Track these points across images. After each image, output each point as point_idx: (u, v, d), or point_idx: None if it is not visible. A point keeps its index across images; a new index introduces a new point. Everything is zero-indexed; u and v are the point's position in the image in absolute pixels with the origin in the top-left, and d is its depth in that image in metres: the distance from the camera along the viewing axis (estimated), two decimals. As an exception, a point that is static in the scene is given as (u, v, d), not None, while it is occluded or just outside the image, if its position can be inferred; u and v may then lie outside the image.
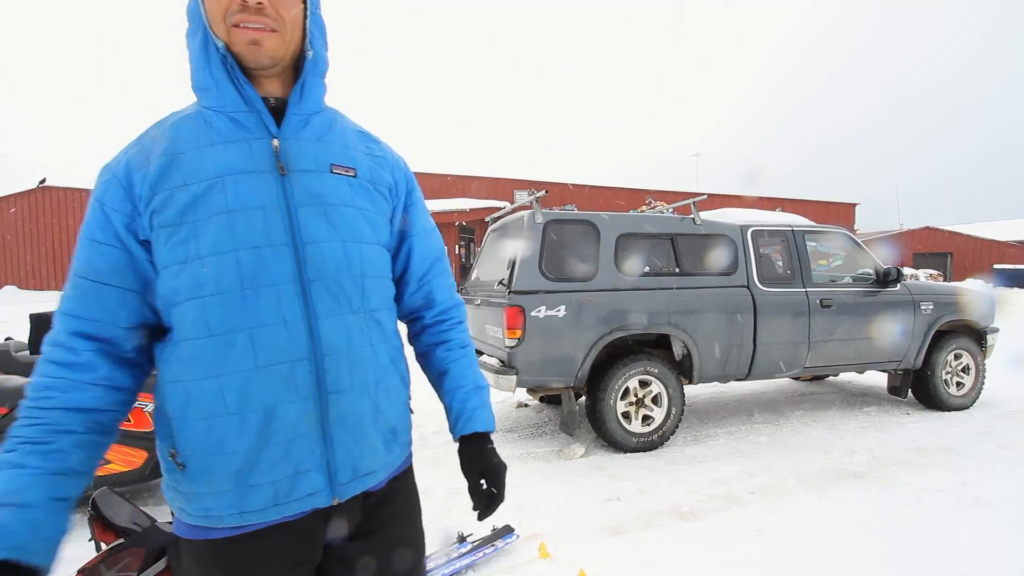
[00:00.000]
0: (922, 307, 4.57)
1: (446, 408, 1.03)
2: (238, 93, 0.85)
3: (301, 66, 0.88)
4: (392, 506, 0.94)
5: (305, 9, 0.87)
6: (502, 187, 21.98)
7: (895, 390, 4.88)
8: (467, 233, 19.82)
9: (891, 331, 4.44)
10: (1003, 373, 5.83)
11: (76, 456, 0.74)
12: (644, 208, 5.29)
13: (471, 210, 18.60)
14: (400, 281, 1.03)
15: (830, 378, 6.11)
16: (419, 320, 1.06)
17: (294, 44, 0.86)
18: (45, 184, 15.52)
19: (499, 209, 4.68)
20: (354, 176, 0.91)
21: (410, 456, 1.01)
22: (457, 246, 19.21)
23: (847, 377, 6.16)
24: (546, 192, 4.06)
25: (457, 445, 1.03)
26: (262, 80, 0.88)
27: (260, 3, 0.80)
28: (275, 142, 0.85)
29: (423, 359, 1.09)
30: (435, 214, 18.85)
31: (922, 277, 16.60)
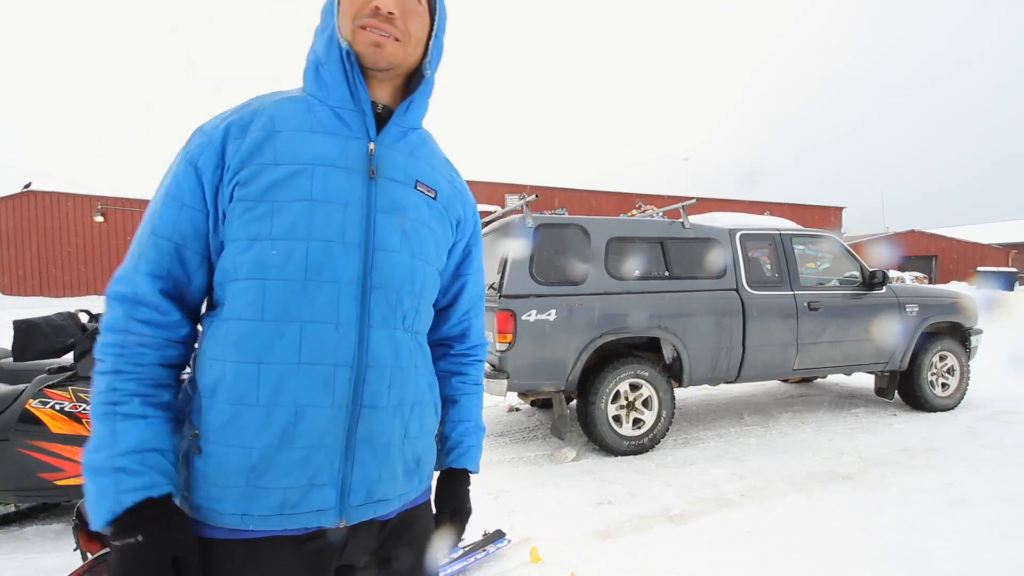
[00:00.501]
0: (907, 309, 4.63)
1: (442, 436, 1.03)
2: (349, 91, 0.86)
3: (412, 82, 0.91)
4: (410, 535, 0.91)
5: (431, 30, 0.89)
6: (493, 191, 22.01)
7: (882, 391, 4.93)
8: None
9: (877, 333, 4.50)
10: (986, 374, 5.92)
11: (175, 409, 0.80)
12: (634, 212, 5.31)
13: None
14: (444, 311, 1.03)
15: (818, 380, 6.17)
16: (447, 348, 1.06)
17: (413, 58, 0.88)
18: (30, 188, 15.31)
19: (490, 213, 4.69)
20: (434, 198, 0.92)
21: (429, 490, 0.98)
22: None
23: (835, 379, 6.23)
24: (536, 196, 4.07)
25: (438, 474, 1.02)
26: (373, 84, 0.89)
27: (392, 13, 0.83)
28: (371, 145, 0.86)
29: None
30: (426, 218, 18.77)
31: (908, 280, 16.82)
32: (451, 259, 0.99)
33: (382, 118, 0.89)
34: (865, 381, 5.91)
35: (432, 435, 0.95)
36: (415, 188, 0.89)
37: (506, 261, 3.67)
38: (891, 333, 4.54)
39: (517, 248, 3.66)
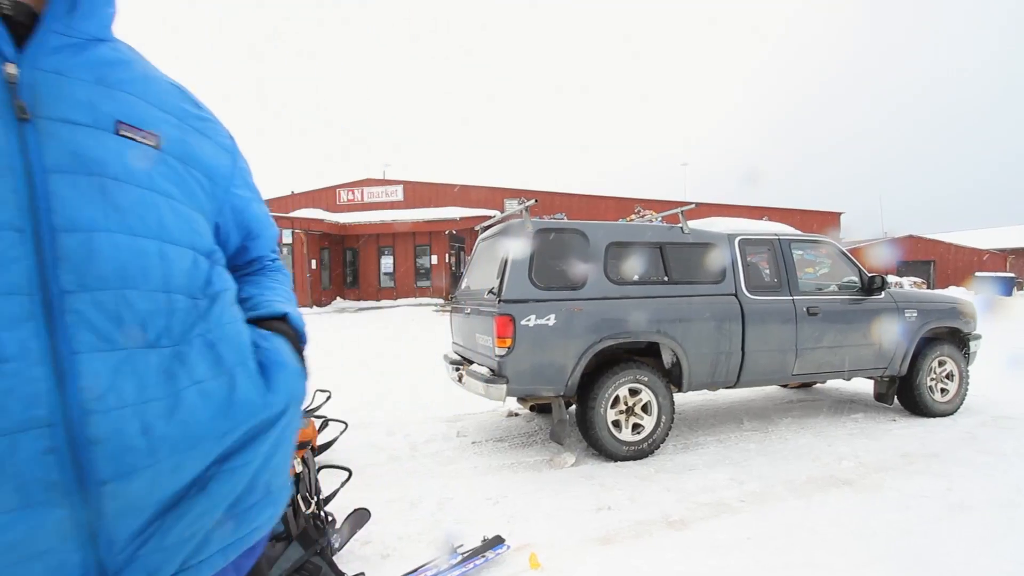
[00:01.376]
0: (906, 314, 4.64)
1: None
2: None
3: None
4: None
5: None
6: (492, 196, 22.06)
7: (881, 396, 4.93)
8: (457, 242, 19.83)
9: (876, 338, 4.50)
10: (986, 379, 5.92)
11: None
12: (633, 217, 5.33)
13: (461, 219, 18.64)
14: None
15: (817, 385, 6.17)
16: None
17: None
18: None
19: (489, 218, 4.69)
20: (155, 147, 0.64)
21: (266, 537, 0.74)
22: (447, 254, 19.19)
23: (834, 384, 6.23)
24: (536, 201, 4.08)
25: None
26: None
27: None
28: (9, 68, 0.56)
29: None
30: (425, 223, 18.93)
31: (906, 285, 16.85)
32: (221, 227, 0.78)
33: (30, 27, 0.60)
34: (864, 386, 5.91)
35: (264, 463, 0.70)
36: (116, 133, 0.61)
37: (505, 266, 3.67)
38: (890, 338, 4.55)
39: (516, 253, 3.66)
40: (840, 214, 24.64)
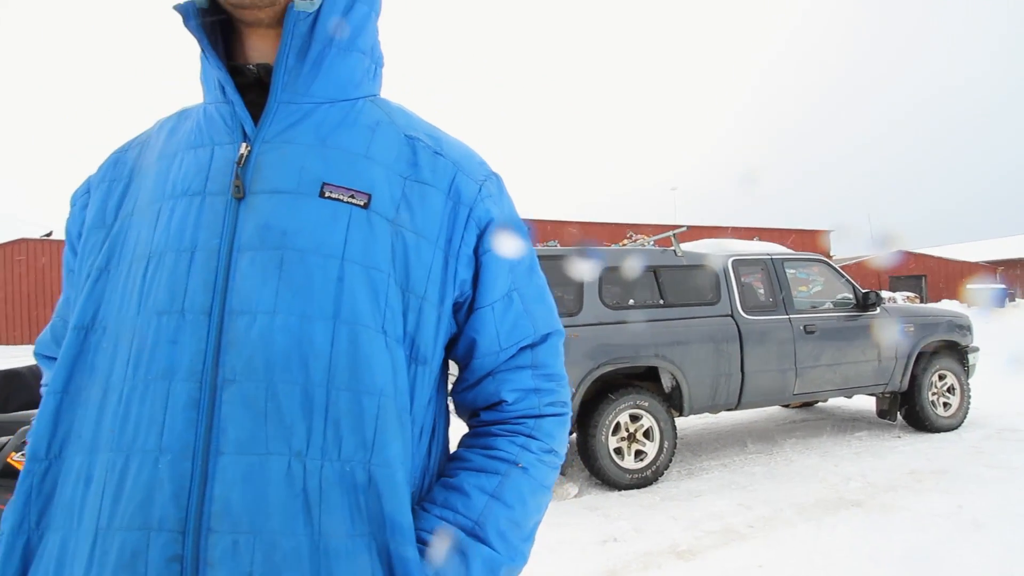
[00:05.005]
0: (903, 329, 4.63)
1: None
2: (205, 65, 0.58)
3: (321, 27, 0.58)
4: None
5: None
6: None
7: (884, 413, 4.89)
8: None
9: (874, 354, 4.49)
10: (987, 392, 5.89)
11: None
12: (625, 242, 5.36)
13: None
14: (461, 370, 0.67)
15: (819, 404, 6.12)
16: (474, 421, 0.68)
17: None
18: (50, 237, 15.33)
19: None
20: (364, 206, 0.56)
21: None
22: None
23: (836, 403, 6.17)
24: (529, 229, 4.09)
25: None
26: (254, 40, 0.59)
27: None
28: (243, 147, 0.55)
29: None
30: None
31: (899, 299, 16.93)
32: (444, 293, 0.60)
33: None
34: (867, 404, 5.86)
35: None
36: (320, 196, 0.55)
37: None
38: (888, 353, 4.53)
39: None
40: (829, 232, 24.94)
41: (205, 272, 0.52)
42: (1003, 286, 17.96)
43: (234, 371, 0.50)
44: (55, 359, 0.61)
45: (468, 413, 0.69)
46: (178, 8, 0.55)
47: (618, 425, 3.73)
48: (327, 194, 0.55)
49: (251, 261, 0.52)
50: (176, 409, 0.49)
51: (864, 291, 4.60)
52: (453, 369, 0.70)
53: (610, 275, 3.90)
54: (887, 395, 4.78)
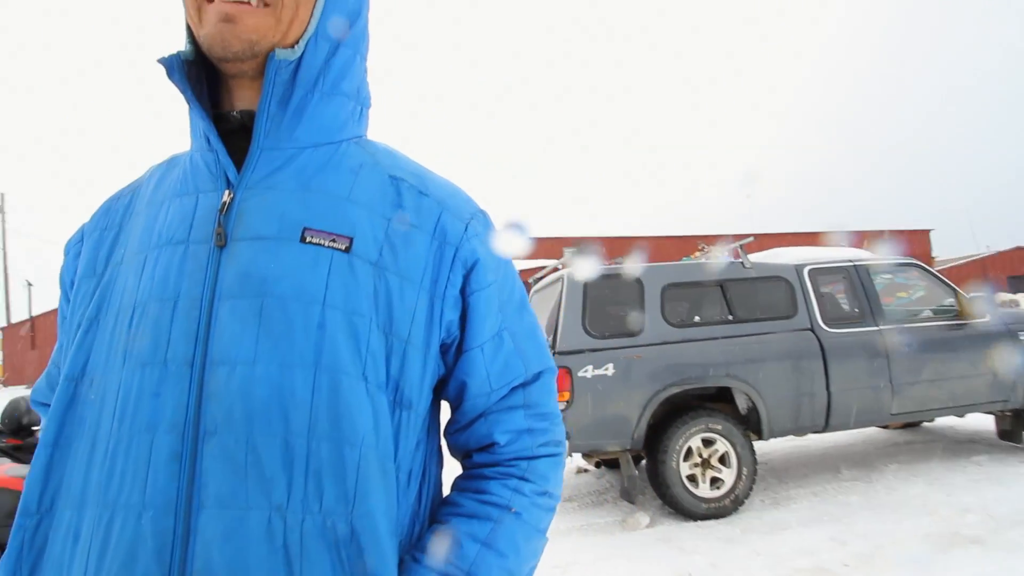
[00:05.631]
0: (1021, 337, 4.07)
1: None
2: (191, 113, 0.59)
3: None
4: None
5: None
6: (553, 246, 22.23)
7: (1006, 434, 4.28)
8: (519, 295, 19.97)
9: (986, 367, 3.96)
10: None
11: None
12: (697, 254, 5.13)
13: (521, 271, 18.83)
14: (453, 412, 0.66)
15: (925, 424, 5.48)
16: (466, 462, 0.67)
17: (296, 31, 0.57)
18: None
19: (541, 269, 4.69)
20: (345, 250, 0.55)
21: None
22: (510, 308, 19.34)
23: (947, 422, 5.50)
24: (585, 247, 4.03)
25: None
26: (240, 90, 0.60)
27: None
28: (226, 195, 0.56)
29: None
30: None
31: (1023, 303, 15.01)
32: (430, 335, 0.58)
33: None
34: (986, 423, 5.18)
35: None
36: (302, 241, 0.54)
37: (558, 316, 3.60)
38: (1004, 366, 3.98)
39: (568, 303, 3.60)
40: (930, 231, 22.75)
41: (187, 322, 0.52)
42: None
43: (215, 423, 0.49)
44: (47, 405, 0.62)
45: (461, 454, 0.67)
46: (162, 61, 0.56)
47: (690, 450, 3.52)
48: (308, 239, 0.54)
49: (231, 310, 0.52)
50: (159, 463, 0.49)
51: (969, 296, 4.11)
52: (446, 409, 0.68)
53: (672, 291, 3.74)
54: (1008, 413, 4.19)
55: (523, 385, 0.64)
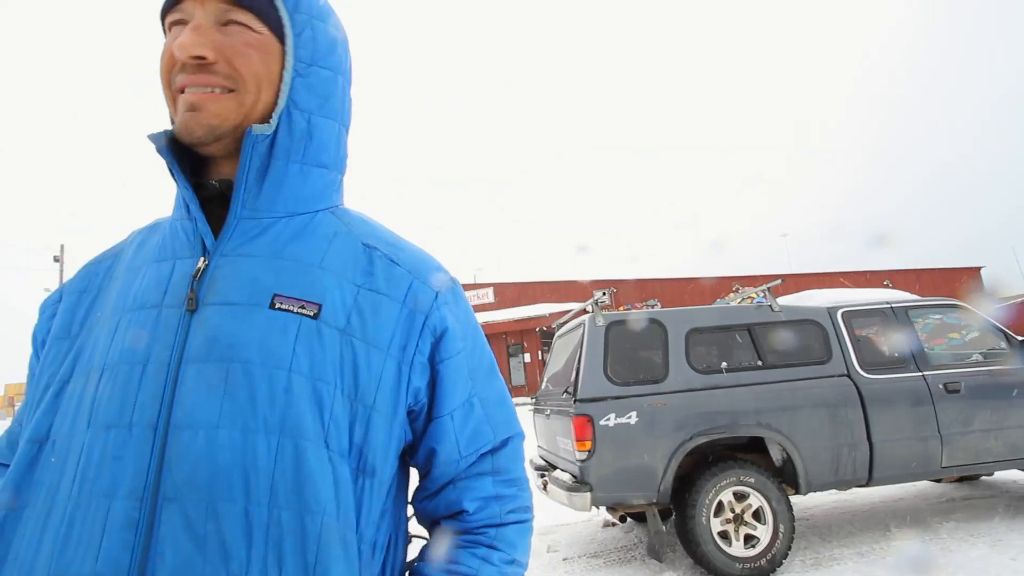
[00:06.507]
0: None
1: None
2: (184, 189, 0.61)
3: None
4: None
5: (284, 61, 0.60)
6: (581, 289, 22.16)
7: (1077, 491, 3.91)
8: (548, 338, 19.85)
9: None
10: None
11: None
12: (731, 295, 5.03)
13: (551, 315, 18.76)
14: (421, 478, 0.66)
15: (984, 478, 5.06)
16: (437, 528, 0.66)
17: (262, 108, 0.60)
18: None
19: (566, 312, 4.66)
20: (314, 316, 0.56)
21: None
22: (540, 351, 19.18)
23: (1009, 475, 5.07)
24: (608, 293, 4.00)
25: None
26: (219, 166, 0.63)
27: (200, 58, 0.56)
28: (201, 261, 0.58)
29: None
30: (515, 322, 19.28)
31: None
32: (396, 402, 0.59)
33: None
34: (1052, 477, 4.75)
35: None
36: (271, 307, 0.55)
37: (579, 363, 3.54)
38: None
39: (589, 349, 3.54)
40: (980, 268, 21.71)
41: (154, 385, 0.52)
42: None
43: (175, 488, 0.49)
44: (7, 466, 0.61)
45: (428, 522, 0.66)
46: (150, 138, 0.60)
47: (721, 505, 3.33)
48: (277, 305, 0.56)
49: (197, 373, 0.52)
50: (113, 530, 0.48)
51: (1020, 338, 3.86)
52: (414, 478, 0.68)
53: (698, 336, 3.64)
54: (1077, 467, 3.84)
55: (491, 451, 0.65)
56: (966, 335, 4.44)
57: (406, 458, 0.64)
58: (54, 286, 24.16)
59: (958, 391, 3.63)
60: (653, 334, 3.63)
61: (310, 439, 0.52)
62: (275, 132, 0.60)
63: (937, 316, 4.06)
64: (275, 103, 0.61)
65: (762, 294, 4.65)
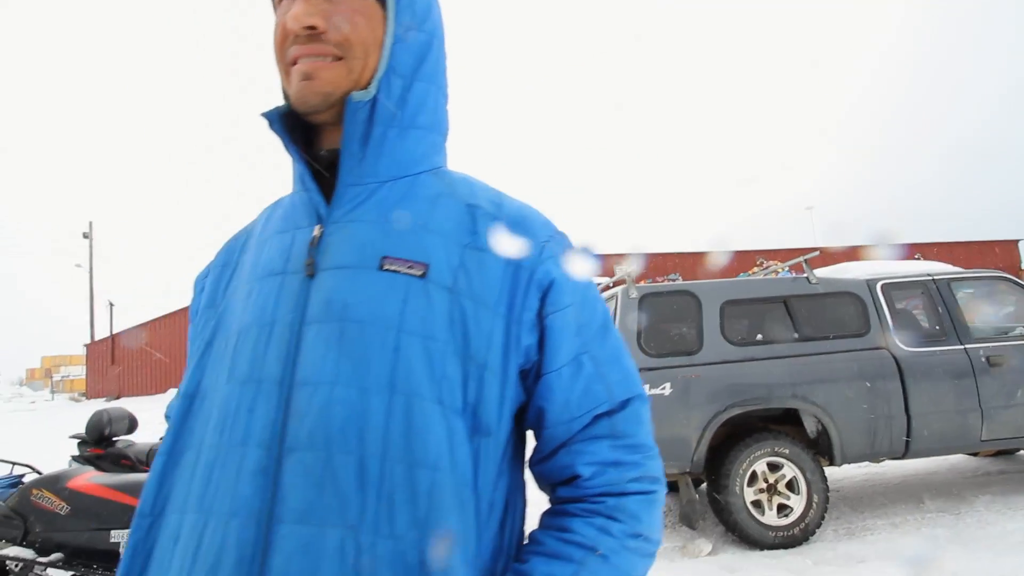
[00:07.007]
0: None
1: None
2: (297, 163, 0.64)
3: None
4: None
5: (385, 26, 0.61)
6: (605, 263, 21.98)
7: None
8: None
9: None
10: None
11: None
12: (755, 270, 4.95)
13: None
14: (537, 441, 0.64)
15: (1021, 453, 4.99)
16: (552, 498, 0.64)
17: (368, 74, 0.61)
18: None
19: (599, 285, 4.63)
20: (421, 276, 0.57)
21: None
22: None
23: (1047, 450, 4.99)
24: (639, 264, 3.98)
25: None
26: (327, 133, 0.65)
27: (312, 28, 0.58)
28: (316, 229, 0.60)
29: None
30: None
31: None
32: (507, 360, 0.58)
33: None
34: (1093, 452, 4.66)
35: None
36: (380, 269, 0.57)
37: (612, 335, 3.56)
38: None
39: (622, 321, 3.54)
40: (1018, 241, 20.96)
41: (279, 344, 0.55)
42: None
43: (297, 440, 0.52)
44: None
45: (547, 488, 0.65)
46: (264, 115, 0.63)
47: (754, 475, 3.36)
48: (386, 266, 0.57)
49: (316, 333, 0.55)
50: (246, 475, 0.52)
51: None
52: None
53: (732, 308, 3.62)
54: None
55: (608, 413, 0.60)
56: (999, 311, 4.33)
57: (521, 421, 0.62)
58: (85, 262, 24.84)
59: (1000, 364, 3.56)
60: (687, 306, 3.61)
61: (422, 396, 0.53)
62: (375, 97, 0.60)
63: (968, 291, 3.94)
64: (377, 68, 0.61)
65: (788, 268, 4.58)
